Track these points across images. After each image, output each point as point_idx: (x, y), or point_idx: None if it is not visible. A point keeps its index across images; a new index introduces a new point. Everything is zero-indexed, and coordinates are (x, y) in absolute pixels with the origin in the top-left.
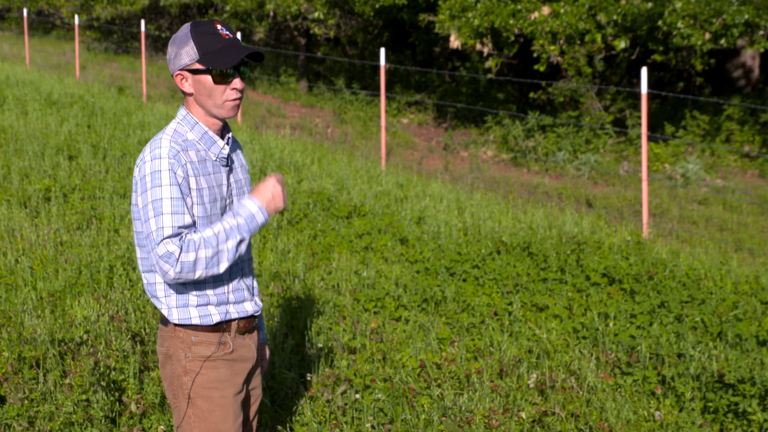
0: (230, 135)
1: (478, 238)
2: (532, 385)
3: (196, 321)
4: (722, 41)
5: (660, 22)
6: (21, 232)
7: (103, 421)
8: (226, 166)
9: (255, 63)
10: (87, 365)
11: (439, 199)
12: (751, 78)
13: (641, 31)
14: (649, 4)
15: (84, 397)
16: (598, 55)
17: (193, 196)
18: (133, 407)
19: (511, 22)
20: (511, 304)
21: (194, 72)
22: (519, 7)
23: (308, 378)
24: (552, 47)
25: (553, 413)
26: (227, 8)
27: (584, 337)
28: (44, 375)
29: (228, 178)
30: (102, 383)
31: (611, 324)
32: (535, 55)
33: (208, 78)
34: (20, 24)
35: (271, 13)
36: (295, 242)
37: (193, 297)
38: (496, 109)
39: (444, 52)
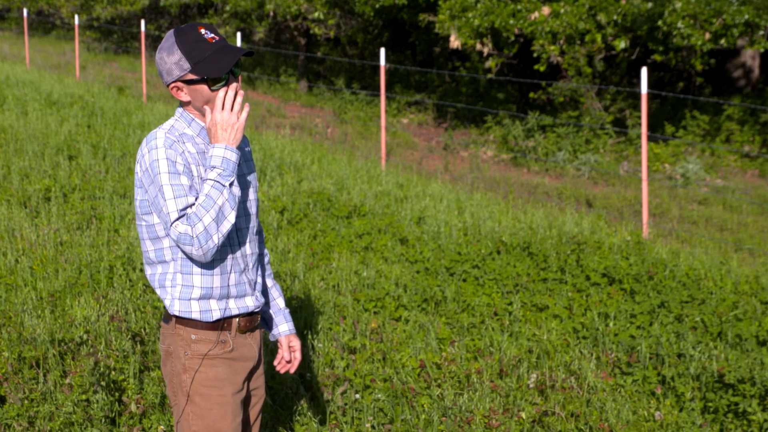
0: None
1: (478, 238)
2: (532, 385)
3: (196, 316)
4: (722, 41)
5: (660, 22)
6: (21, 232)
7: (103, 421)
8: None
9: (247, 59)
10: (87, 365)
11: (439, 199)
12: (751, 78)
13: (641, 31)
14: (649, 4)
15: (84, 397)
16: (598, 55)
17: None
18: (133, 407)
19: (511, 22)
20: (511, 304)
21: (189, 82)
22: (519, 7)
23: (308, 378)
24: (552, 47)
25: (553, 413)
26: (227, 8)
27: (584, 337)
28: (44, 375)
29: None
30: (102, 383)
31: (611, 324)
32: (535, 55)
33: (203, 87)
34: (20, 24)
35: (271, 13)
36: (295, 242)
37: (197, 289)
38: (496, 109)
39: (444, 52)
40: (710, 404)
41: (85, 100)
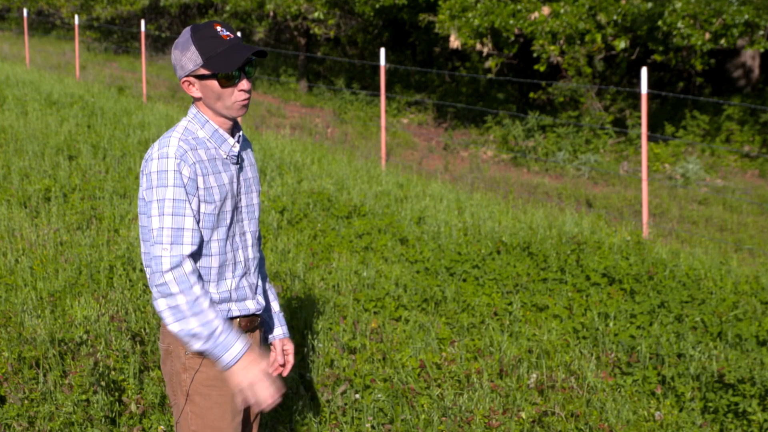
0: (241, 133)
1: (478, 238)
2: (532, 385)
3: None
4: (722, 41)
5: (660, 22)
6: (21, 232)
7: (103, 421)
8: (237, 164)
9: (259, 59)
10: (87, 365)
11: (439, 199)
12: (751, 78)
13: (641, 31)
14: (649, 4)
15: (84, 397)
16: (598, 55)
17: (200, 195)
18: (133, 407)
19: (511, 22)
20: (511, 304)
21: (200, 77)
22: (519, 7)
23: (308, 378)
24: (552, 47)
25: (553, 413)
26: (227, 8)
27: (584, 337)
28: (44, 375)
29: (238, 176)
30: (102, 383)
31: (611, 324)
32: (535, 55)
33: (214, 82)
34: (20, 24)
35: (271, 13)
36: (295, 242)
37: None
38: (496, 109)
39: (444, 52)
40: (710, 404)
41: (85, 100)
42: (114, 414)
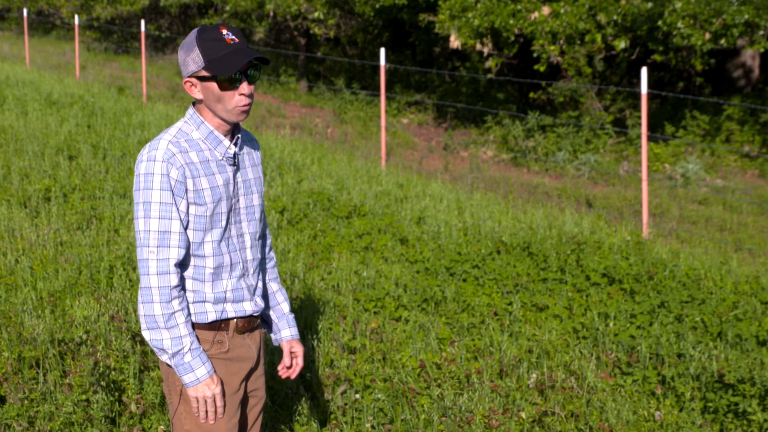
0: (240, 135)
1: (478, 238)
2: (532, 385)
3: (191, 317)
4: (722, 41)
5: (660, 22)
6: (21, 232)
7: (103, 421)
8: (233, 165)
9: (264, 66)
10: (87, 365)
11: (439, 199)
12: (751, 78)
13: (641, 31)
14: (649, 4)
15: (84, 397)
16: (598, 55)
17: (189, 197)
18: (133, 407)
19: (511, 22)
20: (511, 304)
21: (201, 79)
22: (519, 7)
23: (308, 378)
24: (552, 47)
25: (553, 413)
26: (227, 8)
27: (584, 337)
28: (44, 375)
29: (235, 177)
30: (102, 383)
31: (611, 324)
32: (535, 55)
33: (214, 85)
34: (20, 24)
35: (271, 13)
36: (295, 242)
37: (190, 293)
38: (496, 109)
39: (444, 52)
40: (710, 404)
41: (85, 100)
42: (114, 414)
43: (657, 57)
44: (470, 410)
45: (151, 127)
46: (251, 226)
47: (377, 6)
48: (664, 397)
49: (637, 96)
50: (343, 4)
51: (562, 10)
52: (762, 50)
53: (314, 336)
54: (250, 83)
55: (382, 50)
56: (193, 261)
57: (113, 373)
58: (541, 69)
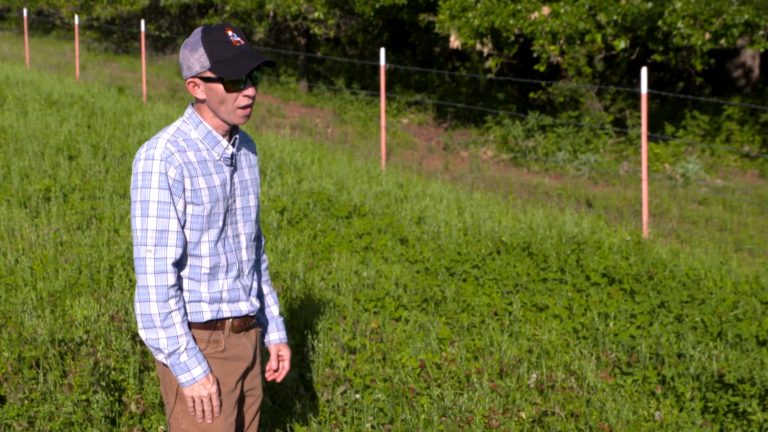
0: (238, 136)
1: (478, 238)
2: (532, 385)
3: (187, 317)
4: (722, 41)
5: (660, 22)
6: (21, 232)
7: (103, 421)
8: (231, 165)
9: (267, 68)
10: (87, 365)
11: (439, 199)
12: (751, 78)
13: (641, 31)
14: (649, 4)
15: (84, 397)
16: (598, 55)
17: (187, 197)
18: (133, 407)
19: (511, 22)
20: (511, 304)
21: (206, 80)
22: (519, 7)
23: (308, 378)
24: (552, 47)
25: (553, 413)
26: (227, 8)
27: (584, 337)
28: (44, 375)
29: (232, 178)
30: (102, 383)
31: (611, 324)
32: (535, 55)
33: (219, 86)
34: (20, 24)
35: (271, 13)
36: (295, 242)
37: (186, 293)
38: (496, 109)
39: (444, 52)
40: (710, 404)
41: (85, 100)
42: (114, 414)
43: (657, 57)
44: (470, 410)
45: (151, 127)
46: (247, 226)
47: (377, 6)
48: (664, 397)
49: (637, 96)
50: (343, 4)
51: (562, 10)
52: (762, 50)
53: (314, 336)
54: (254, 86)
55: (382, 50)
56: (189, 261)
57: (113, 373)
58: (541, 69)
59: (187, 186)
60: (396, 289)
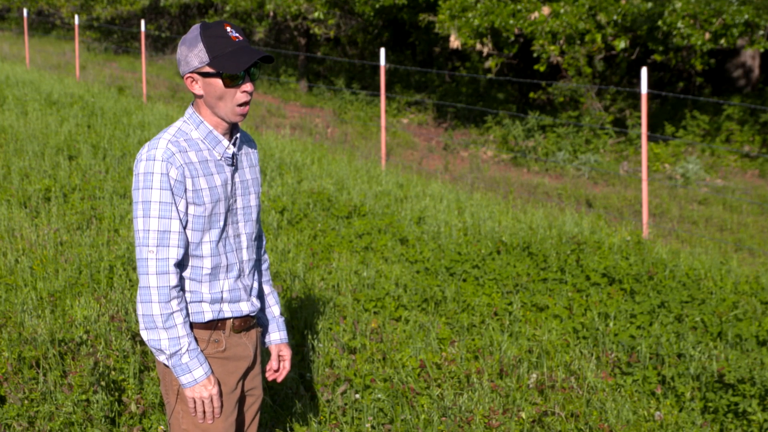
0: (239, 135)
1: (478, 238)
2: (532, 385)
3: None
4: (722, 41)
5: (660, 22)
6: (21, 232)
7: (103, 421)
8: (232, 165)
9: (264, 64)
10: (87, 365)
11: (439, 199)
12: (751, 78)
13: (641, 31)
14: (649, 4)
15: (84, 397)
16: (598, 55)
17: (188, 197)
18: (133, 407)
19: (511, 22)
20: (511, 304)
21: (204, 75)
22: (519, 7)
23: (308, 378)
24: (552, 47)
25: (553, 413)
26: (227, 8)
27: (584, 337)
28: (44, 375)
29: (233, 178)
30: (102, 383)
31: (611, 324)
32: (535, 55)
33: (218, 81)
34: (20, 24)
35: (271, 13)
36: (295, 242)
37: (187, 293)
38: (496, 109)
39: (444, 52)
40: (710, 404)
41: (85, 100)
42: (114, 414)
43: (657, 57)
44: (470, 410)
45: (151, 127)
46: (248, 226)
47: (377, 6)
48: (664, 397)
49: (637, 96)
50: (343, 4)
51: (562, 10)
52: (762, 50)
53: (314, 336)
54: (251, 81)
55: (382, 50)
56: (190, 261)
57: (113, 373)
58: (541, 69)
59: (189, 186)
60: (396, 289)
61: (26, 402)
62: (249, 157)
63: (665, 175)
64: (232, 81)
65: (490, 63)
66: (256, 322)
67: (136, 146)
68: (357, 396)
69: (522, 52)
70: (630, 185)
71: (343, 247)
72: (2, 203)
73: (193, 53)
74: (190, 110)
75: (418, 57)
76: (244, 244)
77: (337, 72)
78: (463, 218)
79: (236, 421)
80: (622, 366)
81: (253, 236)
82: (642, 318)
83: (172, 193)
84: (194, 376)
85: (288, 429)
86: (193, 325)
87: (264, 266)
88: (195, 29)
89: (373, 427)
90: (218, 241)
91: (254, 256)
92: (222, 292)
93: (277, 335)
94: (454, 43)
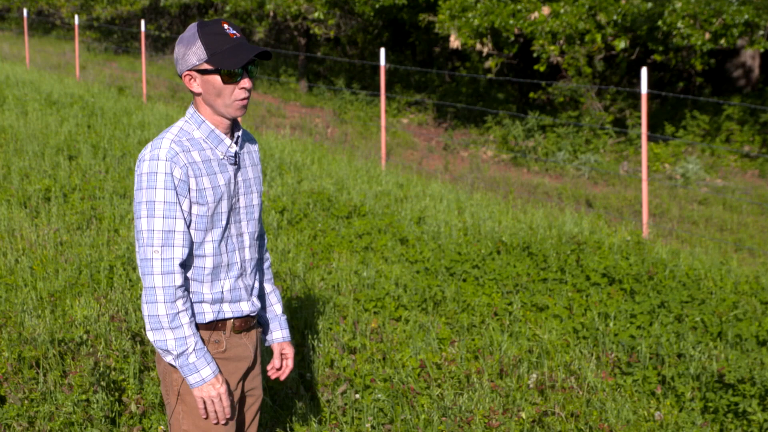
0: (239, 134)
1: (478, 238)
2: (532, 385)
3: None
4: (722, 41)
5: (660, 22)
6: (21, 232)
7: (103, 421)
8: (234, 164)
9: (262, 60)
10: (87, 365)
11: (439, 199)
12: (751, 78)
13: (641, 31)
14: (649, 4)
15: (84, 397)
16: (598, 55)
17: (192, 197)
18: (133, 407)
19: (511, 22)
20: (511, 304)
21: (203, 72)
22: (519, 7)
23: (308, 378)
24: (552, 47)
25: (553, 413)
26: (227, 8)
27: (584, 337)
28: (44, 375)
29: (236, 177)
30: (102, 383)
31: (611, 324)
32: (535, 55)
33: (216, 78)
34: (20, 24)
35: (271, 13)
36: (295, 242)
37: (189, 293)
38: (496, 109)
39: (444, 52)
40: (710, 404)
41: (85, 100)
42: (114, 414)
43: (657, 57)
44: (470, 410)
45: (151, 127)
46: (250, 225)
47: (377, 6)
48: (664, 397)
49: (637, 96)
50: (343, 4)
51: (562, 10)
52: (762, 50)
53: (314, 336)
54: (250, 78)
55: (382, 50)
56: (192, 261)
57: (113, 373)
58: (541, 69)
59: (192, 186)
60: (396, 289)
61: (26, 402)
62: (251, 156)
63: (665, 175)
64: (230, 78)
65: (490, 63)
66: (257, 322)
67: (136, 146)
68: (357, 396)
69: (522, 52)
70: (630, 185)
71: (343, 247)
72: (2, 203)
73: (191, 51)
74: (191, 110)
75: (418, 57)
76: (247, 243)
77: (337, 72)
78: (463, 218)
79: (236, 422)
80: (622, 366)
81: (256, 235)
82: (642, 318)
83: (176, 193)
84: (202, 375)
85: (288, 429)
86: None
87: (266, 265)
88: (192, 27)
89: (373, 427)
90: (221, 241)
91: (256, 256)
92: (223, 291)
93: (279, 334)
94: (454, 43)
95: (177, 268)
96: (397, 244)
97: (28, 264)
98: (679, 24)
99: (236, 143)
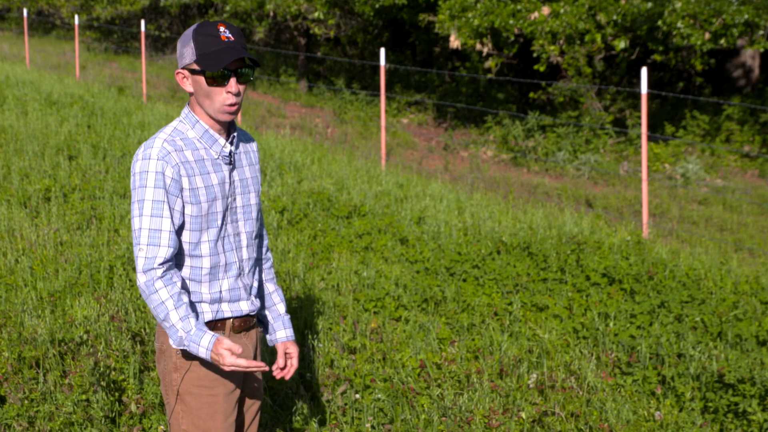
0: (236, 134)
1: (478, 238)
2: (532, 385)
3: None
4: (722, 41)
5: (660, 22)
6: (21, 232)
7: (103, 421)
8: (229, 164)
9: (257, 65)
10: (87, 365)
11: (439, 199)
12: (751, 78)
13: (641, 31)
14: (649, 4)
15: (84, 397)
16: (598, 55)
17: (185, 196)
18: (133, 407)
19: (511, 22)
20: (511, 304)
21: (192, 72)
22: (519, 7)
23: (308, 378)
24: (552, 47)
25: (553, 413)
26: (227, 8)
27: (584, 337)
28: (44, 375)
29: (231, 176)
30: (102, 383)
31: (611, 324)
32: (535, 55)
33: (202, 79)
34: (20, 24)
35: (271, 13)
36: (295, 242)
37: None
38: (496, 109)
39: (444, 52)
40: (710, 404)
41: (85, 100)
42: (114, 414)
43: (657, 57)
44: (470, 410)
45: (151, 127)
46: (248, 225)
47: (377, 6)
48: (664, 397)
49: (637, 96)
50: (343, 4)
51: (561, 10)
52: (762, 50)
53: (314, 336)
54: (240, 82)
55: (382, 50)
56: (189, 261)
57: (113, 373)
58: (541, 69)
59: (185, 185)
60: (396, 289)
61: (26, 402)
62: (248, 156)
63: (665, 175)
64: (214, 80)
65: (490, 63)
66: (257, 321)
67: (136, 146)
68: (357, 396)
69: (522, 52)
70: (630, 185)
71: (343, 247)
72: (2, 203)
73: (185, 50)
74: (186, 110)
75: (418, 57)
76: (244, 242)
77: (337, 72)
78: (463, 218)
79: (236, 422)
80: (622, 366)
81: (254, 235)
82: (642, 318)
83: (167, 192)
84: (201, 352)
85: (288, 429)
86: None
87: (267, 264)
88: (191, 27)
89: (373, 427)
90: (217, 241)
91: (254, 255)
92: (221, 291)
93: (283, 333)
94: (454, 43)
95: (158, 266)
96: (397, 244)
97: (28, 264)
98: (679, 24)
99: (231, 143)
